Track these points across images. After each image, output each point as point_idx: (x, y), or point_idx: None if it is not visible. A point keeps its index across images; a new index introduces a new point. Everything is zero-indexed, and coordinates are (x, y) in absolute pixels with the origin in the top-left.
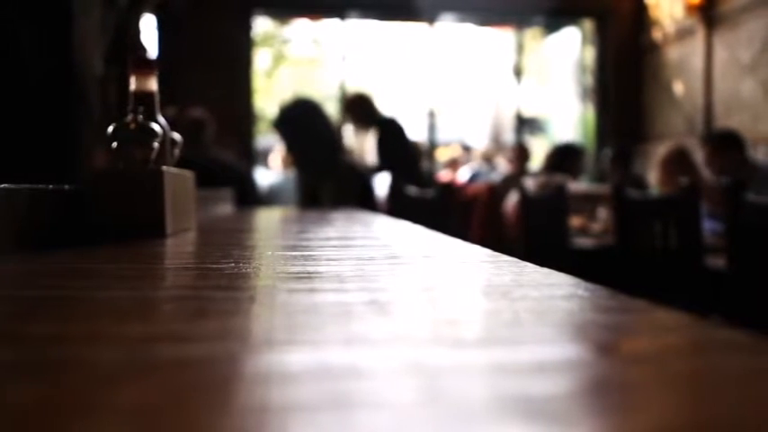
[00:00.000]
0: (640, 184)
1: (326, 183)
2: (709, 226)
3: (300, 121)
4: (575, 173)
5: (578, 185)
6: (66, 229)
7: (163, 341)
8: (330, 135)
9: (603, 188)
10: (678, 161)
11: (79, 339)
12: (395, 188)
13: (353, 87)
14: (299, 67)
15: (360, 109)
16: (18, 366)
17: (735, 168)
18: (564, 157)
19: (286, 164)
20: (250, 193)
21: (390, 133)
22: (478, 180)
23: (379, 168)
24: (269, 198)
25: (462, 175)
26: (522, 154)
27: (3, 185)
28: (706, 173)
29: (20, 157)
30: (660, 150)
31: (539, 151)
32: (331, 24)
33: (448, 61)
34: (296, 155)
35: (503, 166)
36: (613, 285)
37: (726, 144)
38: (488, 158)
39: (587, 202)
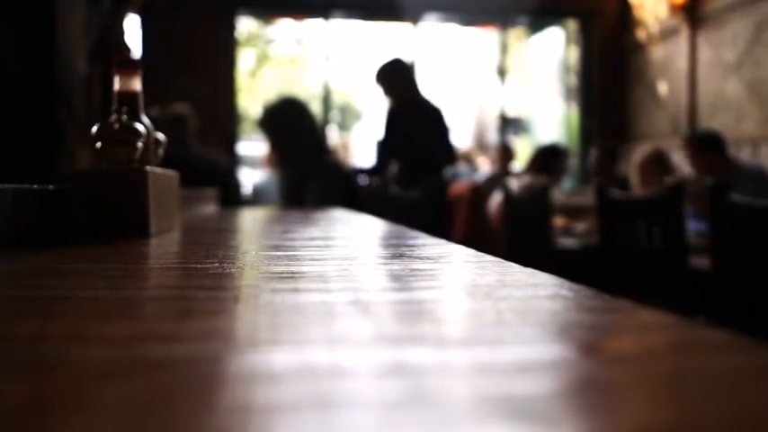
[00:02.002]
0: (625, 184)
1: (311, 182)
2: (693, 226)
3: (286, 118)
4: (559, 174)
5: (560, 194)
6: (50, 229)
7: (147, 341)
8: (315, 134)
9: (585, 197)
10: (655, 163)
11: (64, 339)
12: (379, 188)
13: (337, 87)
14: (283, 66)
15: (395, 76)
16: (3, 366)
17: (717, 169)
18: (548, 159)
19: (270, 163)
20: (234, 193)
21: (413, 118)
22: (459, 180)
23: (381, 155)
24: (253, 198)
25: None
26: (506, 154)
27: None
28: (688, 172)
29: (3, 157)
30: (637, 153)
31: (522, 151)
32: (315, 24)
33: (432, 61)
34: (280, 153)
35: (485, 166)
36: (597, 285)
37: (706, 146)
38: (468, 159)
39: (568, 213)
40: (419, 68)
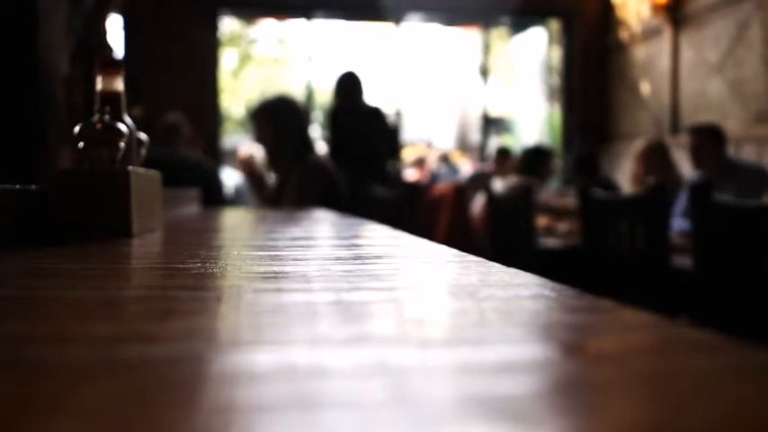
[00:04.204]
0: (609, 185)
1: (293, 179)
2: (676, 226)
3: (281, 113)
4: (544, 175)
5: (546, 193)
6: (31, 229)
7: (129, 341)
8: (305, 133)
9: (568, 197)
10: (656, 154)
11: (46, 339)
12: (363, 187)
13: (320, 87)
14: (266, 66)
15: (344, 87)
16: None
17: (715, 162)
18: (534, 160)
19: (242, 164)
20: (216, 193)
21: (350, 117)
22: (439, 181)
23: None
24: (235, 199)
25: (424, 176)
26: (503, 159)
27: None
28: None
29: None
30: (637, 143)
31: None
32: (297, 24)
33: (414, 61)
34: (270, 150)
35: (467, 168)
36: (580, 285)
37: (713, 137)
38: (446, 159)
39: (551, 213)
40: (399, 72)
